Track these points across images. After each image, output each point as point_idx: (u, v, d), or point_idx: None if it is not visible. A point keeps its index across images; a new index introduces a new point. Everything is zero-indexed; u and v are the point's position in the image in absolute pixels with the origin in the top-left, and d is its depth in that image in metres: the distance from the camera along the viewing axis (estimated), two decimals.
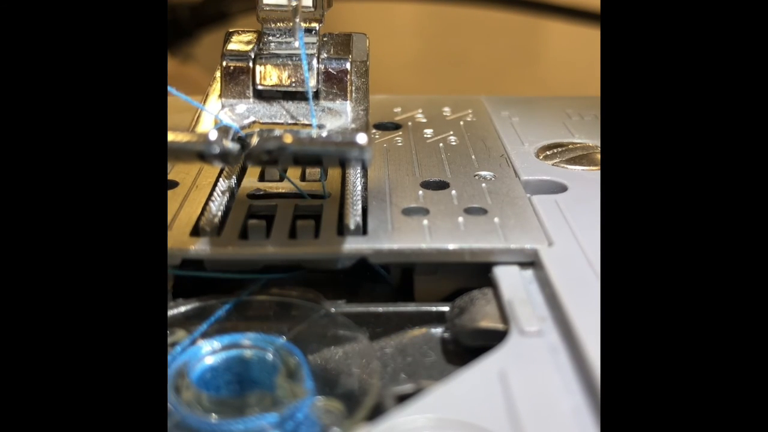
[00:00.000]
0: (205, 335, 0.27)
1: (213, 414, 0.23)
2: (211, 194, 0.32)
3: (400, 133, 0.40)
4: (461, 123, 0.41)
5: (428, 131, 0.40)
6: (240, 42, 0.31)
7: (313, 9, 0.31)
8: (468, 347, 0.27)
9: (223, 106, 0.30)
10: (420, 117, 0.42)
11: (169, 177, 0.34)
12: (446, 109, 0.44)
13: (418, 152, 0.37)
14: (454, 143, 0.38)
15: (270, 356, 0.25)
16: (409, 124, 0.41)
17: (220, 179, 0.33)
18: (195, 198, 0.32)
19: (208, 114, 0.30)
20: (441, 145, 0.38)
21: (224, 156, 0.25)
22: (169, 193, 0.33)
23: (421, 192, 0.33)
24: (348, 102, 0.30)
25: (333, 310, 0.28)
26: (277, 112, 0.30)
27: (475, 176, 0.34)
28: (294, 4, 0.30)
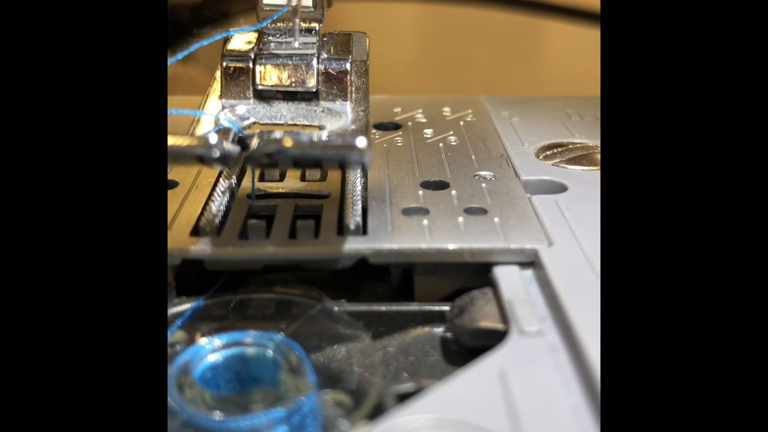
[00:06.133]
0: (205, 334, 0.27)
1: (217, 411, 0.23)
2: (211, 194, 0.32)
3: (400, 133, 0.40)
4: (461, 123, 0.41)
5: (428, 131, 0.40)
6: (240, 42, 0.31)
7: (313, 9, 0.31)
8: (468, 347, 0.27)
9: (223, 107, 0.30)
10: (420, 117, 0.42)
11: (169, 177, 0.34)
12: (446, 109, 0.44)
13: (418, 152, 0.37)
14: (454, 143, 0.38)
15: (270, 353, 0.25)
16: (409, 124, 0.41)
17: (220, 179, 0.33)
18: (195, 198, 0.32)
19: (208, 115, 0.30)
20: (441, 145, 0.38)
21: (224, 159, 0.25)
22: (169, 193, 0.33)
23: (421, 192, 0.33)
24: (348, 102, 0.30)
25: (336, 308, 0.28)
26: (277, 113, 0.30)
27: (475, 176, 0.34)
28: (294, 4, 0.30)
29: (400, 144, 0.38)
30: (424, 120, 0.42)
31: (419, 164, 0.36)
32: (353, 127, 0.29)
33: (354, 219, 0.30)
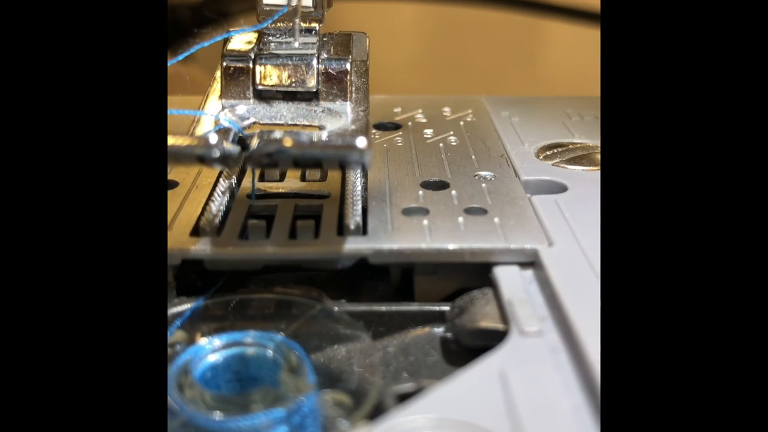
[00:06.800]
0: (205, 334, 0.27)
1: (217, 411, 0.23)
2: (211, 194, 0.32)
3: (400, 133, 0.40)
4: (461, 123, 0.41)
5: (428, 131, 0.40)
6: (240, 42, 0.31)
7: (313, 9, 0.31)
8: (468, 347, 0.27)
9: (223, 107, 0.30)
10: (420, 117, 0.42)
11: (169, 177, 0.34)
12: (446, 109, 0.44)
13: (418, 152, 0.37)
14: (454, 143, 0.38)
15: (270, 353, 0.26)
16: (409, 124, 0.41)
17: (220, 179, 0.33)
18: (195, 198, 0.32)
19: (208, 115, 0.30)
20: (441, 145, 0.38)
21: (224, 159, 0.25)
22: (169, 193, 0.33)
23: (421, 192, 0.33)
24: (348, 103, 0.30)
25: (336, 308, 0.28)
26: (277, 113, 0.30)
27: (475, 176, 0.34)
28: (294, 4, 0.30)
29: (400, 144, 0.38)
30: (424, 120, 0.42)
31: (419, 164, 0.36)
32: (353, 127, 0.29)
33: (354, 219, 0.30)
